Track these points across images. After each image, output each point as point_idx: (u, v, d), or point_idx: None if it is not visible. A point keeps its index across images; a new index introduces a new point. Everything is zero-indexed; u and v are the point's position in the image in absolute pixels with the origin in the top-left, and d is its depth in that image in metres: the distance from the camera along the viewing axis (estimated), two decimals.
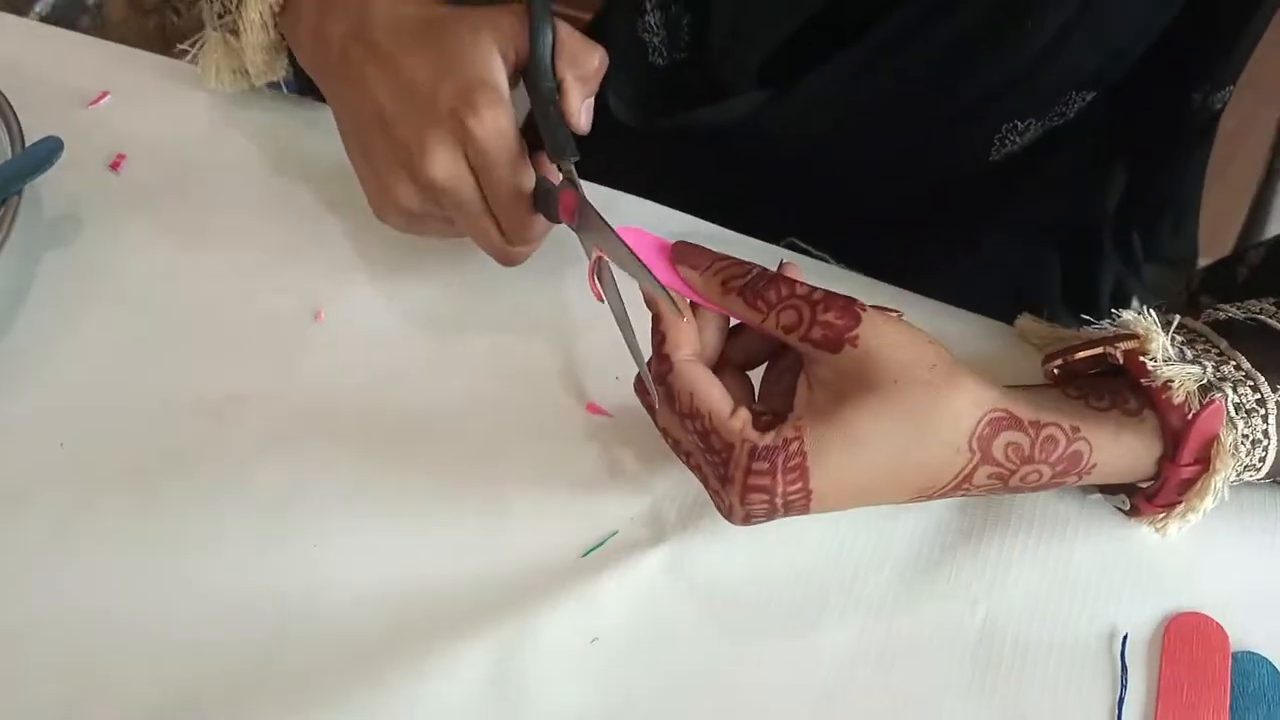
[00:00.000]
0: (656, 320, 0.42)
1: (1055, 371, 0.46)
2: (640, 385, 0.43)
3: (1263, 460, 0.42)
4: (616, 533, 0.47)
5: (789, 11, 0.57)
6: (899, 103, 0.58)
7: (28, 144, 0.55)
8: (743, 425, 0.39)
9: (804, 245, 0.61)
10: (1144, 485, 0.44)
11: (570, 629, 0.44)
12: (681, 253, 0.43)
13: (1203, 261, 0.74)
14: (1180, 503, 0.43)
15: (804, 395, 0.40)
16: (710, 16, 0.59)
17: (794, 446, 0.38)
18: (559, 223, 0.47)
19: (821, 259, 0.57)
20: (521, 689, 0.43)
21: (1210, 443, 0.41)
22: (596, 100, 0.50)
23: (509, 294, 0.54)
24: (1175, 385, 0.41)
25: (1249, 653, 0.44)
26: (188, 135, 0.60)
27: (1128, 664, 0.44)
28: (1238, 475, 0.42)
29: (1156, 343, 0.42)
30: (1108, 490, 0.46)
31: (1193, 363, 0.42)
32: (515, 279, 0.54)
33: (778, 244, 0.57)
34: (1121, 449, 0.41)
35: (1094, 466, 0.41)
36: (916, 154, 0.62)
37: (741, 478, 0.38)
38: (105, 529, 0.47)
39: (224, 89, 0.58)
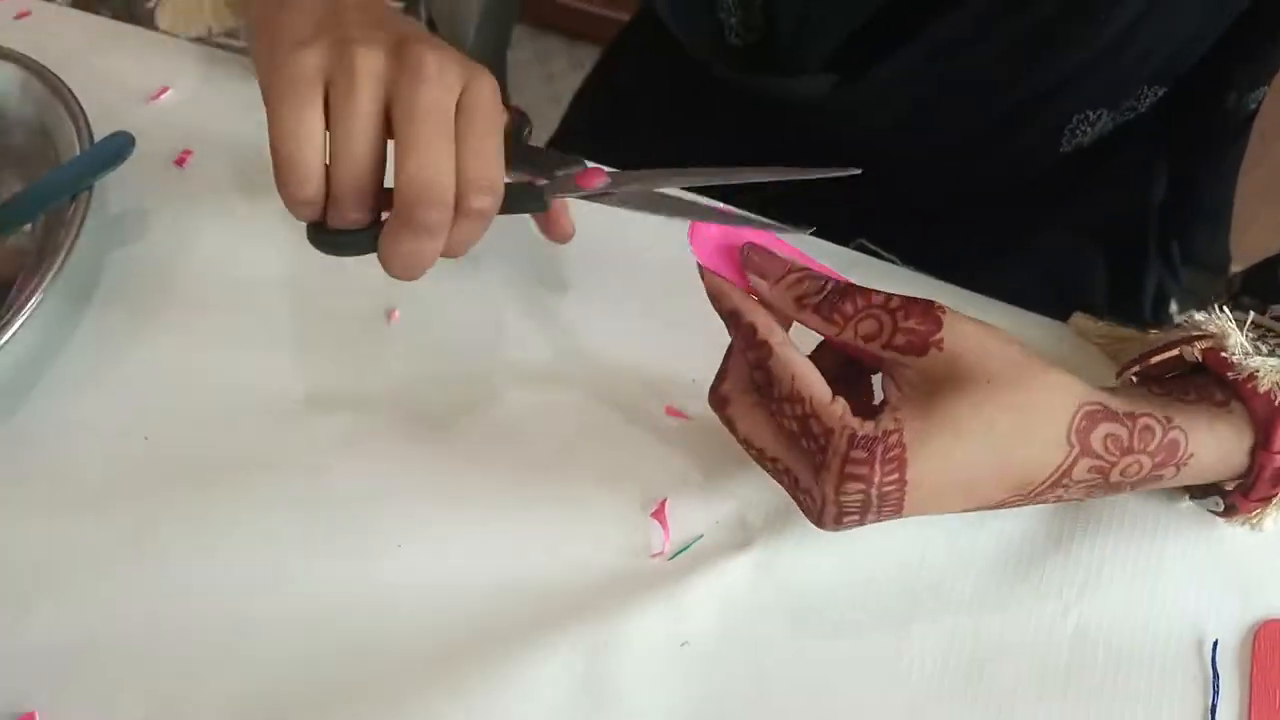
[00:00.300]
0: (738, 314, 0.41)
1: (1133, 379, 0.45)
2: (716, 394, 0.43)
3: None
4: (702, 536, 0.47)
5: (858, 1, 0.56)
6: (973, 90, 0.58)
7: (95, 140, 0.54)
8: (843, 412, 0.38)
9: (873, 247, 0.61)
10: (1236, 482, 0.44)
11: (659, 633, 0.44)
12: (751, 260, 0.42)
13: (1235, 267, 0.74)
14: (1276, 494, 0.43)
15: (895, 393, 0.40)
16: (779, 2, 0.58)
17: (894, 438, 0.37)
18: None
19: (892, 261, 0.57)
20: (613, 693, 0.43)
21: None
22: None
23: (584, 295, 0.54)
24: (1261, 375, 0.41)
25: None
26: (252, 128, 0.59)
27: (1219, 670, 0.44)
28: None
29: (1234, 339, 0.42)
30: (1199, 494, 0.46)
31: (1271, 355, 0.42)
32: (588, 279, 0.54)
33: (847, 245, 0.56)
34: (1216, 438, 0.41)
35: (1191, 456, 0.41)
36: (989, 142, 0.61)
37: (839, 466, 0.38)
38: (181, 534, 0.47)
39: (181, 34, 0.57)
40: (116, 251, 0.55)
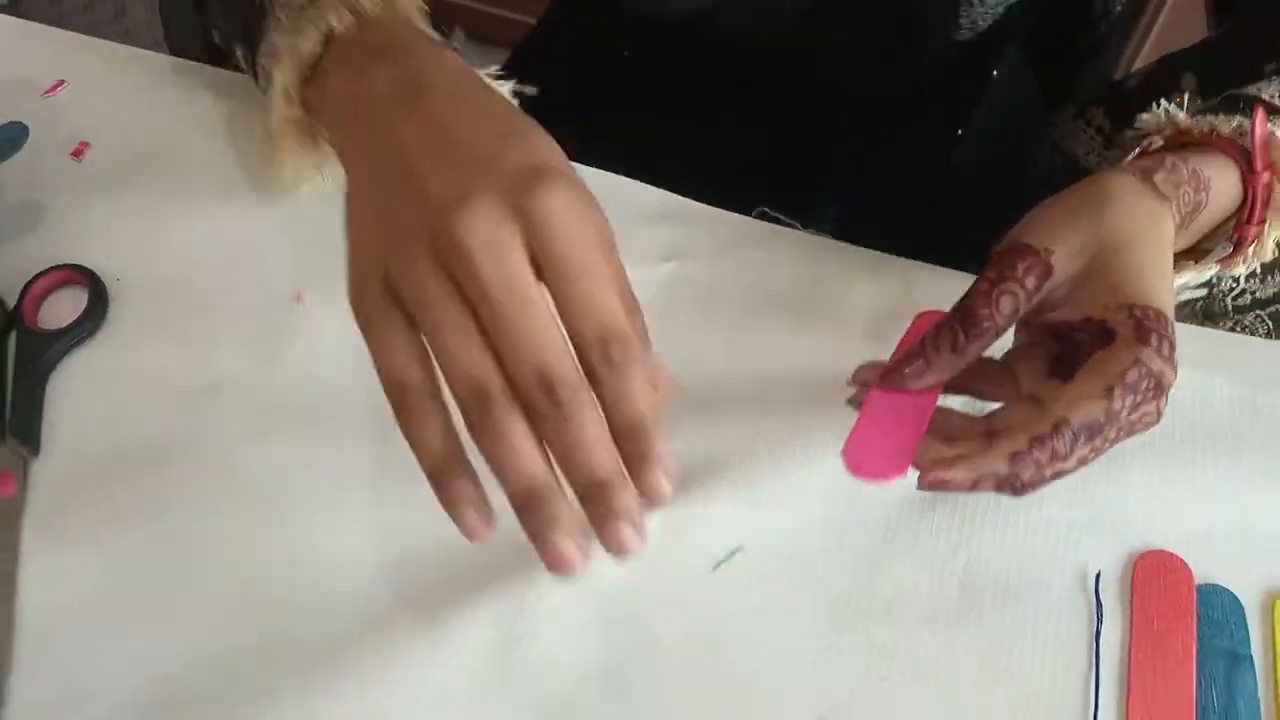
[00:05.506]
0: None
1: None
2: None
3: None
4: None
5: None
6: None
7: None
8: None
9: (774, 214, 0.63)
10: (1234, 217, 0.48)
11: (574, 589, 0.45)
12: (893, 380, 0.43)
13: None
14: (1268, 215, 0.48)
15: (1090, 296, 0.42)
16: None
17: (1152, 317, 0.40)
18: None
19: (791, 225, 0.59)
20: (531, 647, 0.44)
21: (1267, 146, 0.47)
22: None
23: None
24: (1218, 126, 0.47)
25: (1212, 584, 0.47)
26: (150, 122, 0.60)
27: (1102, 599, 0.47)
28: None
29: (1182, 116, 0.48)
30: (1207, 248, 0.50)
31: (1224, 113, 0.48)
32: None
33: (749, 214, 0.58)
34: (1216, 169, 0.46)
35: (1209, 181, 0.46)
36: (885, 37, 0.63)
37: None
38: (91, 525, 0.47)
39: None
40: (12, 243, 0.55)
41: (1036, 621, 0.46)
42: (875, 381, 0.43)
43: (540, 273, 0.33)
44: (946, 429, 0.42)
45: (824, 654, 0.45)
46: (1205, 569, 0.47)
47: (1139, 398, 0.39)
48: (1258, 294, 0.56)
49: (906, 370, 0.42)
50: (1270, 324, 0.59)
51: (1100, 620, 0.46)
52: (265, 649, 0.44)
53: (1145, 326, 0.40)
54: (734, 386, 0.51)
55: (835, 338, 0.53)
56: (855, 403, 0.44)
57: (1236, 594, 0.47)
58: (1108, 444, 0.40)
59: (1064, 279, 0.42)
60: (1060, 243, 0.42)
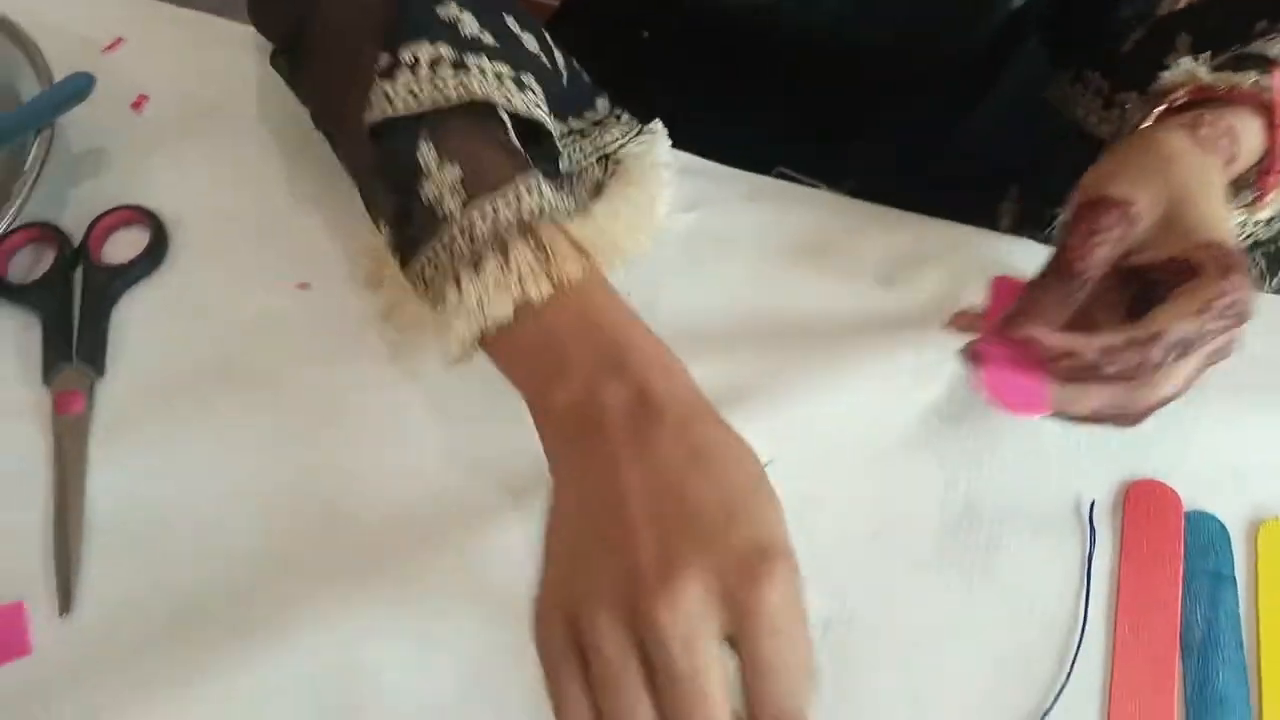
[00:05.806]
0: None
1: None
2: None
3: None
4: None
5: None
6: None
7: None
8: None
9: (793, 174, 0.65)
10: (1255, 167, 0.50)
11: None
12: (1013, 332, 0.46)
13: None
14: None
15: (1169, 240, 0.45)
16: None
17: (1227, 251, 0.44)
18: None
19: (812, 185, 0.62)
20: None
21: None
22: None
23: None
24: (1239, 82, 0.49)
25: (1199, 511, 0.50)
26: (207, 78, 0.63)
27: (1095, 525, 0.50)
28: None
29: (1203, 71, 0.50)
30: (1232, 197, 0.51)
31: (1235, 71, 0.49)
32: None
33: (768, 174, 0.61)
34: (1242, 121, 0.48)
35: (1240, 135, 0.48)
36: (941, 21, 0.65)
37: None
38: (151, 438, 0.51)
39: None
40: (77, 188, 0.59)
41: (1033, 544, 0.49)
42: (985, 329, 0.47)
43: (736, 647, 0.34)
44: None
45: (833, 565, 0.48)
46: (1194, 497, 0.50)
47: (1227, 322, 0.43)
48: (1258, 236, 0.58)
49: (1023, 321, 0.46)
50: (1264, 262, 0.61)
51: (1093, 544, 0.49)
52: (313, 553, 0.48)
53: (1228, 261, 0.44)
54: (753, 324, 0.54)
55: (849, 281, 0.56)
56: (968, 355, 0.47)
57: (1223, 521, 0.50)
58: (1196, 373, 0.45)
59: (1145, 227, 0.46)
60: (1140, 194, 0.46)
